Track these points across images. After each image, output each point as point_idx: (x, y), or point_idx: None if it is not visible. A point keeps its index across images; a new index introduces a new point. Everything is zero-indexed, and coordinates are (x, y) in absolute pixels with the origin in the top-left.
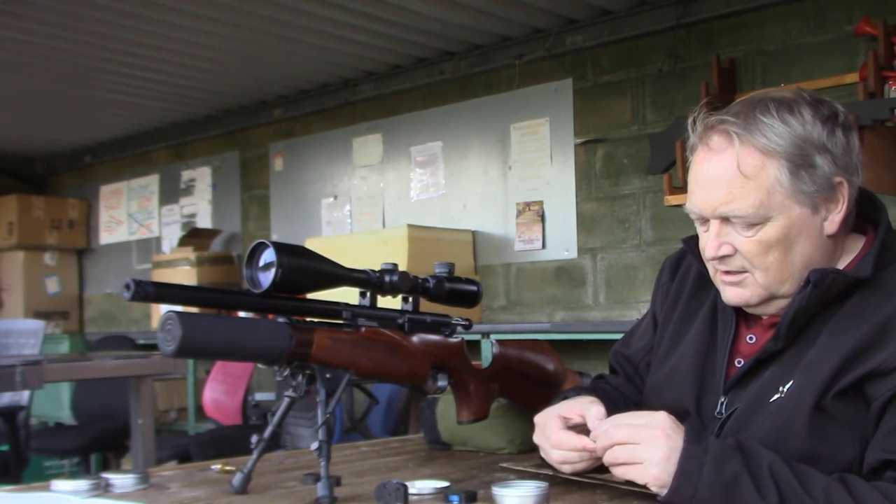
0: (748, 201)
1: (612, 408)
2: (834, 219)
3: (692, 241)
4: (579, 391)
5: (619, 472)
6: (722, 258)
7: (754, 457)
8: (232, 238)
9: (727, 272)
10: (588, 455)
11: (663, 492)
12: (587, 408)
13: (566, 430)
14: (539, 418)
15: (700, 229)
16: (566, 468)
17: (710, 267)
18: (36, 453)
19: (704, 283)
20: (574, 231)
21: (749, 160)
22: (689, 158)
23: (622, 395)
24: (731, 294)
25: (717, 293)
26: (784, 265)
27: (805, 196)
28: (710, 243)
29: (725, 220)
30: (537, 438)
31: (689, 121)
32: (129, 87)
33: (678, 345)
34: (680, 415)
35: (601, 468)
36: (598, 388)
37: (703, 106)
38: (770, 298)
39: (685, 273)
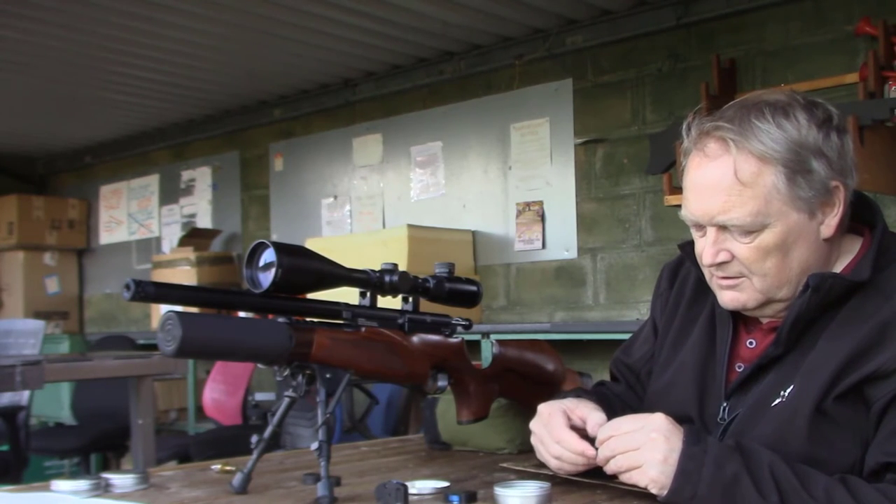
0: (745, 209)
1: (612, 414)
2: (830, 223)
3: (689, 247)
4: (580, 393)
5: (623, 479)
6: (719, 265)
7: (754, 457)
8: (232, 238)
9: (724, 277)
10: (584, 460)
11: (663, 493)
12: (591, 414)
13: (570, 428)
14: (544, 408)
15: (696, 235)
16: (554, 464)
17: (707, 272)
18: (36, 453)
19: (703, 289)
20: (574, 231)
21: (746, 167)
22: (683, 163)
23: (623, 402)
24: (728, 298)
25: (715, 298)
26: (782, 270)
27: (802, 202)
28: (708, 250)
29: (722, 227)
30: (536, 426)
31: (684, 126)
32: (129, 87)
33: (678, 352)
34: (682, 421)
35: (600, 469)
36: (598, 393)
37: (698, 111)
38: (767, 303)
39: (684, 280)
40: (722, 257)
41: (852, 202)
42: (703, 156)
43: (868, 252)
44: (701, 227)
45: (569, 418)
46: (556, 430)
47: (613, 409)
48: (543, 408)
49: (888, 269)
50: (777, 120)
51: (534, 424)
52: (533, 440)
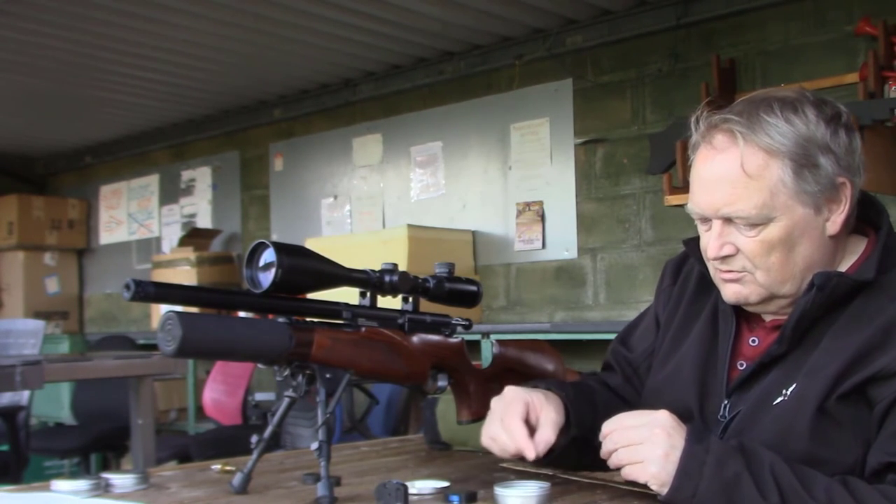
0: (751, 202)
1: (591, 410)
2: (836, 219)
3: (692, 243)
4: (565, 387)
5: (623, 473)
6: (724, 258)
7: (756, 457)
8: (232, 238)
9: (728, 270)
10: (515, 451)
11: (664, 490)
12: (542, 429)
13: (523, 422)
14: (509, 391)
15: (701, 228)
16: (486, 441)
17: (711, 266)
18: (36, 453)
19: (706, 285)
20: (574, 231)
21: (753, 159)
22: (690, 157)
23: (618, 395)
24: (731, 291)
25: (718, 295)
26: (786, 266)
27: (808, 196)
28: (713, 243)
29: (728, 220)
30: (495, 403)
31: (692, 119)
32: (129, 87)
33: (679, 347)
34: (682, 417)
35: (602, 468)
36: (581, 385)
37: (705, 105)
38: (770, 298)
39: (687, 276)
40: (727, 251)
41: (859, 201)
42: (711, 148)
43: (873, 253)
44: (706, 220)
45: (528, 411)
46: (508, 416)
47: (594, 404)
48: (509, 390)
49: (893, 270)
50: (785, 114)
51: (494, 401)
52: (487, 417)
